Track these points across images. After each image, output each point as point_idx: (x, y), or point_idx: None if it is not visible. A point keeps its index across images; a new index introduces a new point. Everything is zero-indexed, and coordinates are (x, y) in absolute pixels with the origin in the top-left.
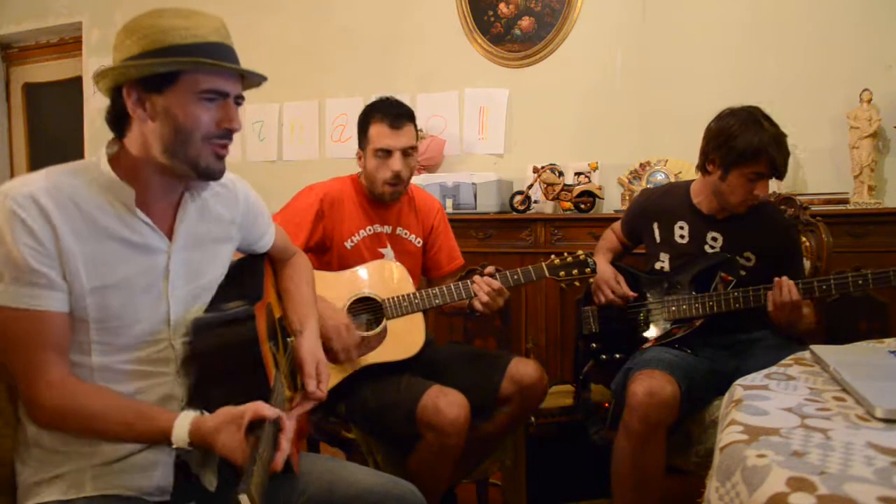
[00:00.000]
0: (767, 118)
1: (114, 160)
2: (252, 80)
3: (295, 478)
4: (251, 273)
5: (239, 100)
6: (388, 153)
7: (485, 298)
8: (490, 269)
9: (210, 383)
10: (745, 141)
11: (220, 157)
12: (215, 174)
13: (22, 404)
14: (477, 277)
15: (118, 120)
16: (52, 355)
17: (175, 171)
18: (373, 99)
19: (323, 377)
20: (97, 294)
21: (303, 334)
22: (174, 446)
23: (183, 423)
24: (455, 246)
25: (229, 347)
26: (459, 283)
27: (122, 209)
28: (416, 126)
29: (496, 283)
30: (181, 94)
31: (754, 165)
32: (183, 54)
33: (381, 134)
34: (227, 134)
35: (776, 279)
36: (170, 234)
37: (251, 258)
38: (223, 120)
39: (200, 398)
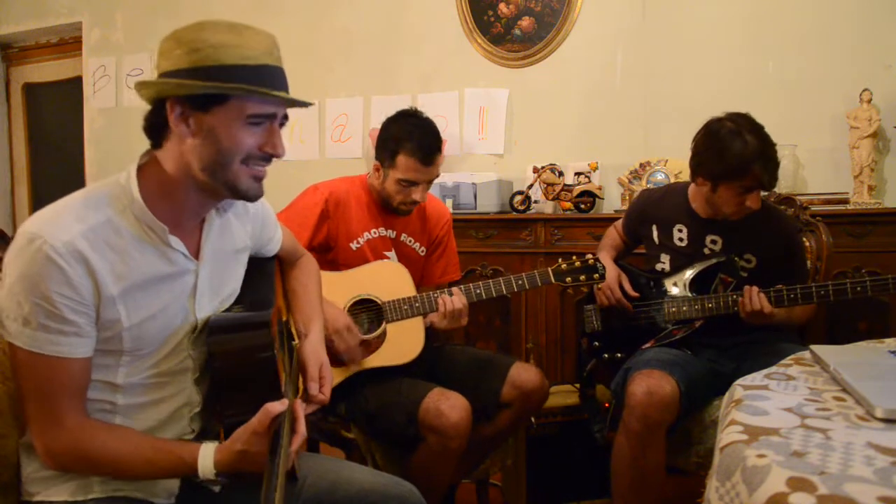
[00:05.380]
0: (753, 129)
1: (145, 178)
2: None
3: (295, 479)
4: (262, 275)
5: (284, 120)
6: (412, 184)
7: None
8: (456, 290)
9: (224, 387)
10: (729, 158)
11: (258, 179)
12: (253, 197)
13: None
14: (445, 297)
15: (156, 130)
16: (71, 401)
17: (211, 189)
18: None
19: (325, 380)
20: (135, 329)
21: (307, 337)
22: (201, 479)
23: (207, 454)
24: (454, 261)
25: (244, 352)
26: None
27: (157, 241)
28: (441, 151)
29: (458, 305)
30: (228, 117)
31: (741, 181)
32: (234, 75)
33: (410, 168)
34: (268, 157)
35: (745, 287)
36: (196, 253)
37: (262, 260)
38: (266, 144)
39: (214, 402)
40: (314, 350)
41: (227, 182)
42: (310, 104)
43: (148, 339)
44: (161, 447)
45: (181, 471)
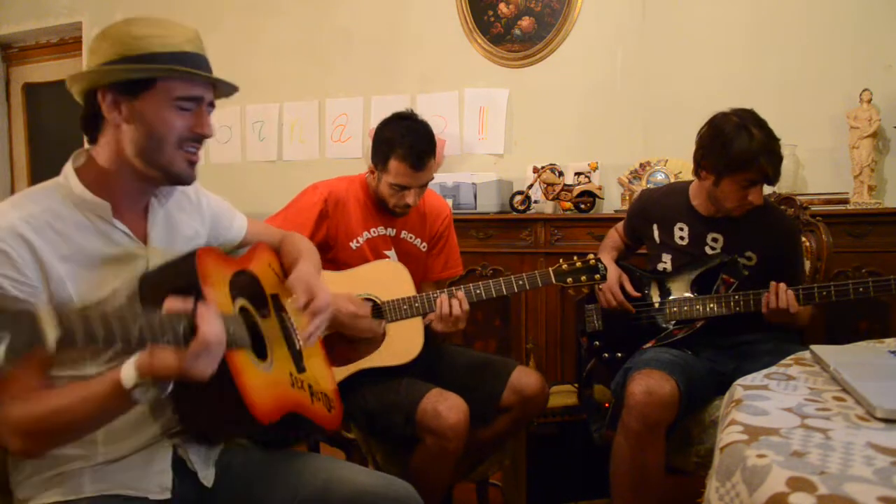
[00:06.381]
0: (758, 123)
1: (83, 173)
2: (223, 89)
3: (291, 476)
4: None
5: (210, 107)
6: (405, 188)
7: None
8: (461, 294)
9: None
10: (735, 150)
11: (192, 164)
12: (187, 180)
13: None
14: (444, 297)
15: (91, 124)
16: (21, 374)
17: (147, 175)
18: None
19: (318, 294)
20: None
21: (292, 273)
22: (128, 387)
23: (128, 363)
24: (455, 255)
25: (170, 276)
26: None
27: (99, 222)
28: (435, 154)
29: (457, 311)
30: (156, 100)
31: (745, 173)
32: (159, 62)
33: (401, 172)
34: (199, 138)
35: (772, 283)
36: (144, 239)
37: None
38: (196, 125)
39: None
40: (299, 275)
41: (162, 166)
42: (234, 88)
43: None
44: (91, 380)
45: (111, 389)
